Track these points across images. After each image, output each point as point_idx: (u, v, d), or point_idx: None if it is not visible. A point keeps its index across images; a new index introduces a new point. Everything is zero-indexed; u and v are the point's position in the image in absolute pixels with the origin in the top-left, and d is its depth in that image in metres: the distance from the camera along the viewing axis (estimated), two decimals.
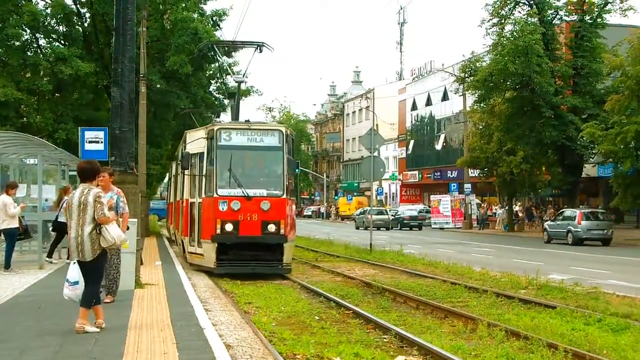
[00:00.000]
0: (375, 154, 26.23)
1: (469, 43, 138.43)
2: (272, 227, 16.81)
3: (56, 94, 30.66)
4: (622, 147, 32.72)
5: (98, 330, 8.38)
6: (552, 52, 39.22)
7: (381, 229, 48.11)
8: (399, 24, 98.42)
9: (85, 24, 31.22)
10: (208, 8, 33.11)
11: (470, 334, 10.32)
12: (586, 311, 11.86)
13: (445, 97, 63.77)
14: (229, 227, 16.63)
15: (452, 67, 53.22)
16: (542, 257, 24.65)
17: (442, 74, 58.44)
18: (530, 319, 11.18)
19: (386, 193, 76.79)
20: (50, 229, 17.32)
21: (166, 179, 47.43)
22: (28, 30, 29.26)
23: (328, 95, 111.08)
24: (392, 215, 53.70)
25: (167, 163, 36.37)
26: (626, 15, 38.84)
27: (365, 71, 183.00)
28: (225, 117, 36.35)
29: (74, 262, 8.40)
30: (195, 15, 30.90)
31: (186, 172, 18.76)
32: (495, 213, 51.57)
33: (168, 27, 31.07)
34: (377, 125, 65.44)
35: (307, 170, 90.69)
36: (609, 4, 39.03)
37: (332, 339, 9.58)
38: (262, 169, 18.54)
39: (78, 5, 30.51)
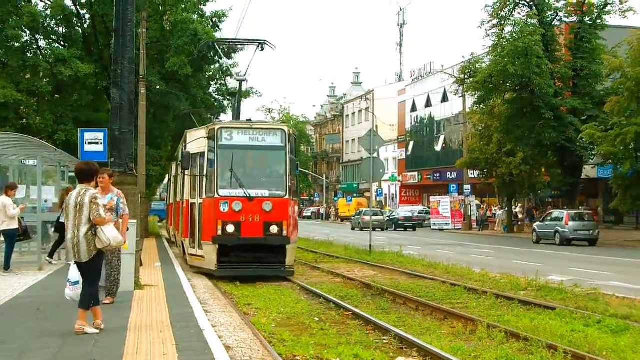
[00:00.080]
0: (375, 155, 26.24)
1: (469, 44, 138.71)
2: (274, 229, 16.52)
3: (56, 95, 30.63)
4: (621, 148, 32.72)
5: (97, 331, 8.38)
6: (551, 53, 39.24)
7: (376, 229, 48.19)
8: (398, 25, 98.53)
9: (85, 25, 31.20)
10: (208, 9, 33.12)
11: (469, 335, 10.33)
12: (586, 312, 11.87)
13: (444, 99, 63.81)
14: (230, 228, 16.35)
15: (452, 69, 53.25)
16: (541, 258, 24.65)
17: (442, 75, 58.48)
18: (529, 320, 11.18)
19: (386, 194, 76.79)
20: (53, 230, 17.32)
21: (166, 180, 47.40)
22: (28, 32, 29.24)
23: (328, 96, 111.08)
24: (387, 216, 54.01)
25: (166, 164, 36.36)
26: (626, 16, 38.91)
27: (365, 72, 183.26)
28: (225, 118, 36.33)
29: (74, 263, 8.42)
30: (195, 17, 30.88)
31: (186, 172, 18.48)
32: (494, 214, 51.61)
33: (168, 28, 31.08)
34: (376, 126, 65.35)
35: (307, 171, 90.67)
36: (609, 6, 39.04)
37: (332, 340, 9.58)
38: (264, 169, 18.21)
39: (78, 7, 30.49)
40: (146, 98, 27.46)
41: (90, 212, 8.15)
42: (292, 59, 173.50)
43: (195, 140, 18.11)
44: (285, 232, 16.65)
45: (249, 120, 18.35)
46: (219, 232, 16.40)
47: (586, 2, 39.60)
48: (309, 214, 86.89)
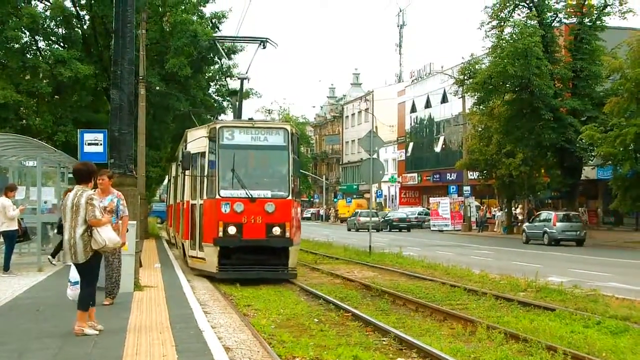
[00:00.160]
0: (375, 156, 26.23)
1: (468, 45, 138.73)
2: (277, 230, 16.15)
3: (55, 96, 30.64)
4: (621, 149, 32.75)
5: (97, 332, 8.39)
6: (551, 54, 39.26)
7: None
8: (398, 26, 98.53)
9: (85, 27, 31.23)
10: (207, 10, 33.09)
11: (469, 337, 10.33)
12: (585, 314, 11.87)
13: (444, 100, 63.82)
14: (231, 230, 15.98)
15: (452, 70, 53.29)
16: (541, 259, 24.64)
17: (442, 76, 58.52)
18: (529, 322, 11.18)
19: (385, 195, 76.82)
20: (55, 231, 17.31)
21: (165, 181, 47.42)
22: (27, 33, 29.26)
23: (327, 97, 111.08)
24: (382, 217, 54.44)
25: (166, 165, 36.39)
26: (625, 18, 38.93)
27: (365, 73, 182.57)
28: (225, 119, 36.34)
29: (72, 264, 8.43)
30: (195, 18, 30.92)
31: (187, 172, 18.11)
32: (494, 215, 51.59)
33: (167, 29, 31.10)
34: (376, 127, 65.33)
35: (307, 172, 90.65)
36: (608, 7, 39.07)
37: (331, 342, 9.58)
38: (267, 169, 17.77)
39: (77, 8, 30.52)
40: (146, 99, 27.46)
41: (86, 213, 8.14)
42: (291, 60, 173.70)
43: (196, 140, 17.73)
44: (288, 234, 16.30)
45: (250, 119, 18.03)
46: (220, 234, 16.03)
47: (586, 3, 39.63)
48: (309, 215, 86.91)
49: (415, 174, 70.82)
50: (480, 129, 46.35)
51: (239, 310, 12.19)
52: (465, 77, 42.63)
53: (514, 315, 11.97)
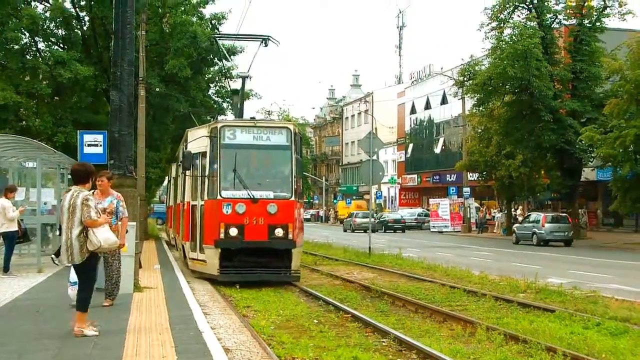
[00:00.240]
0: (374, 157, 26.23)
1: (468, 47, 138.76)
2: (279, 232, 15.79)
3: (55, 98, 30.65)
4: (621, 150, 32.76)
5: (97, 333, 8.38)
6: (551, 56, 39.29)
7: (367, 231, 48.35)
8: (397, 27, 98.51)
9: (85, 28, 31.25)
10: (207, 11, 33.12)
11: (469, 338, 10.33)
12: (585, 315, 11.87)
13: (444, 101, 63.88)
14: (233, 231, 15.62)
15: (451, 71, 53.35)
16: (540, 260, 24.65)
17: (441, 77, 58.59)
18: (529, 323, 11.18)
19: (385, 197, 76.82)
20: (58, 232, 17.30)
21: (165, 182, 47.39)
22: (27, 34, 29.26)
23: (327, 98, 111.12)
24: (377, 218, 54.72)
25: (166, 166, 36.38)
26: (625, 19, 39.01)
27: (364, 75, 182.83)
28: (226, 119, 36.32)
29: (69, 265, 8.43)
30: (195, 19, 30.95)
31: (187, 172, 17.73)
32: (494, 217, 51.62)
33: (167, 30, 31.10)
34: (376, 128, 65.31)
35: (306, 173, 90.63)
36: (608, 8, 39.12)
37: (331, 343, 9.58)
38: (269, 169, 17.40)
39: (77, 9, 30.53)
40: (145, 100, 27.45)
41: (82, 214, 8.13)
42: (291, 61, 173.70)
43: (197, 140, 17.25)
44: (291, 236, 15.94)
45: (252, 118, 17.70)
46: (222, 236, 15.66)
47: (585, 4, 39.66)
48: (309, 216, 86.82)
49: (415, 175, 70.85)
50: (480, 131, 46.39)
51: (238, 312, 12.18)
52: (465, 79, 42.67)
53: (514, 317, 11.97)
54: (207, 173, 16.34)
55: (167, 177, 38.31)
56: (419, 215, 60.54)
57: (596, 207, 48.12)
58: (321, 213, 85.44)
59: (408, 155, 73.56)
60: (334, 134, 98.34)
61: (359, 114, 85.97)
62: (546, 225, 35.05)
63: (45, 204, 19.27)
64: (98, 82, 29.36)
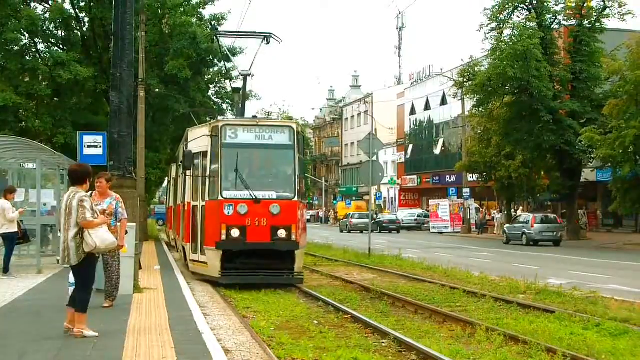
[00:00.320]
0: (374, 158, 26.22)
1: (468, 48, 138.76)
2: (282, 233, 15.44)
3: (55, 99, 30.66)
4: (620, 151, 32.77)
5: (97, 334, 8.36)
6: (550, 56, 39.32)
7: (363, 231, 48.61)
8: (397, 28, 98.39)
9: (84, 29, 31.28)
10: (207, 12, 33.14)
11: (468, 339, 10.32)
12: (585, 316, 11.86)
13: (444, 102, 63.89)
14: (235, 232, 15.27)
15: (451, 72, 53.30)
16: (540, 261, 24.64)
17: (441, 78, 58.57)
18: (528, 324, 11.18)
19: (385, 197, 76.80)
20: (59, 234, 17.28)
21: (165, 183, 47.36)
22: (27, 35, 29.31)
23: (327, 99, 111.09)
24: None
25: (166, 167, 36.38)
26: (624, 20, 39.00)
27: (364, 76, 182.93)
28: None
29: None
30: (194, 20, 30.97)
31: (188, 172, 17.34)
32: (493, 217, 51.60)
33: (167, 31, 31.15)
34: (375, 129, 65.29)
35: (306, 174, 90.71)
36: (608, 9, 39.13)
37: (331, 344, 9.57)
38: (271, 169, 17.14)
39: (77, 10, 30.56)
40: (145, 101, 27.48)
41: (77, 215, 8.11)
42: (291, 62, 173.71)
43: (198, 139, 16.82)
44: (294, 237, 15.58)
45: (254, 117, 17.60)
46: (223, 237, 15.32)
47: (585, 5, 39.66)
48: (308, 217, 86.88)
49: (415, 176, 70.86)
50: (479, 131, 46.42)
51: (238, 313, 12.18)
52: (465, 80, 42.70)
53: (514, 317, 11.96)
54: (208, 173, 15.98)
55: (166, 178, 38.28)
56: (418, 216, 60.55)
57: (596, 207, 48.13)
58: (321, 214, 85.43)
59: (408, 156, 73.58)
60: (333, 134, 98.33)
61: (359, 114, 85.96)
62: (535, 225, 35.64)
63: (44, 205, 19.24)
64: (98, 83, 29.38)
